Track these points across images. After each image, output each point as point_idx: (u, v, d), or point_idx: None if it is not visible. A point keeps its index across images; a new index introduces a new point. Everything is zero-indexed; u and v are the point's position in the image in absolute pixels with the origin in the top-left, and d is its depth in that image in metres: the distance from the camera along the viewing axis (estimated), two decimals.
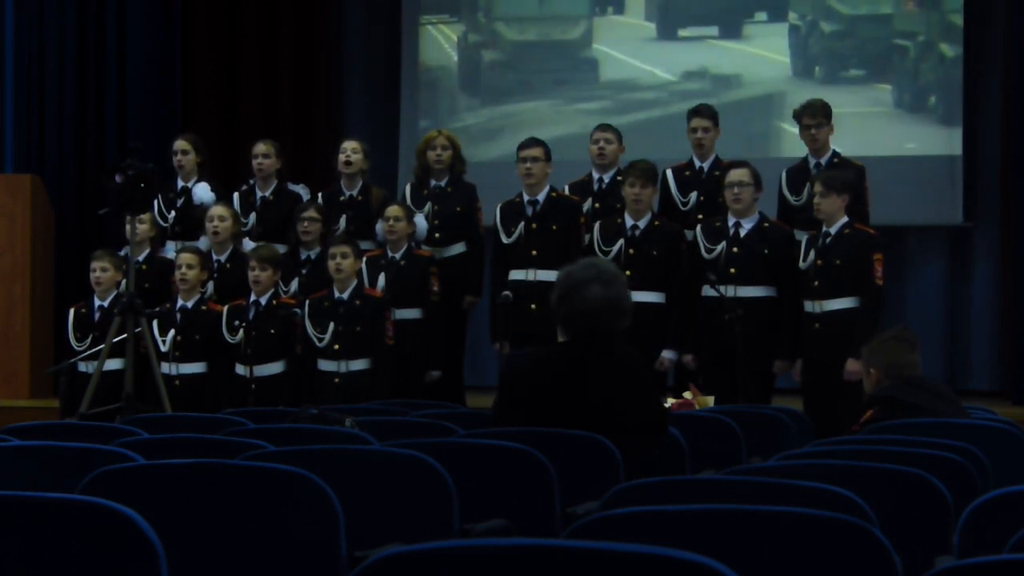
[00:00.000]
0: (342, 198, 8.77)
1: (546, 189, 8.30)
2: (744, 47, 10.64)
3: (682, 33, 10.80)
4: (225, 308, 8.19)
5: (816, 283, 7.64)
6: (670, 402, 6.59)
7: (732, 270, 7.80)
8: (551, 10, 10.97)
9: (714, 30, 10.76)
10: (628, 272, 7.89)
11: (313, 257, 8.48)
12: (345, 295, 7.99)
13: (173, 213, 8.93)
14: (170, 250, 8.82)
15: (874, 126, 10.21)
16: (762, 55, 10.59)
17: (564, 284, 4.53)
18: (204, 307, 8.24)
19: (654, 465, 4.42)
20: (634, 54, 10.80)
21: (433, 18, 11.22)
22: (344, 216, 8.67)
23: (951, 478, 3.60)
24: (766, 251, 7.82)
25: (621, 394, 4.46)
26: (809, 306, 7.67)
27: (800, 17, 10.55)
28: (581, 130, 9.38)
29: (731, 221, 7.90)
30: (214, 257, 8.55)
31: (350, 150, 8.75)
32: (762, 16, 10.66)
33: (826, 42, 10.48)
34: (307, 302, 8.08)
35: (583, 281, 4.48)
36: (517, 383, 4.58)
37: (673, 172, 8.46)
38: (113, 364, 7.85)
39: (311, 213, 8.47)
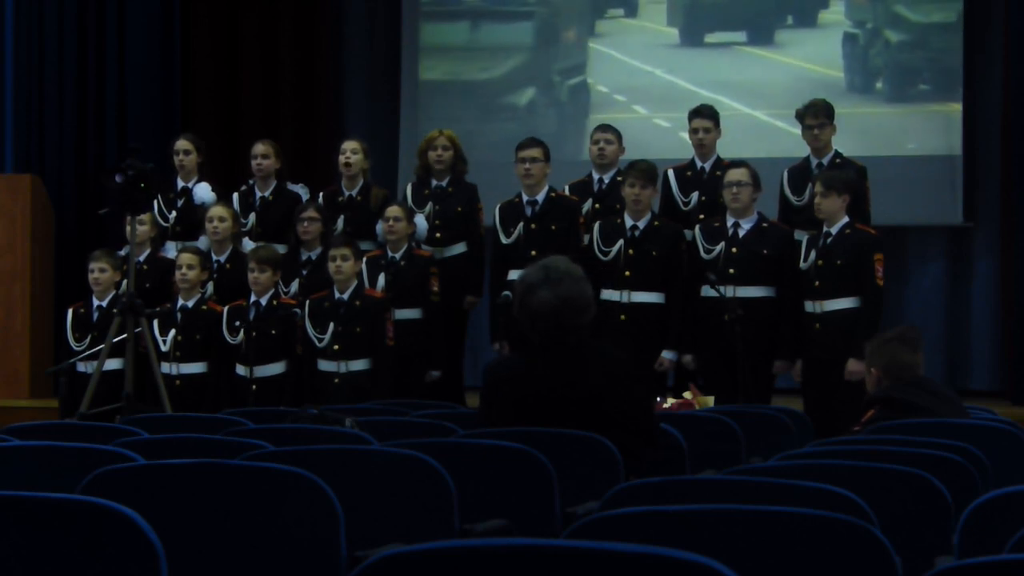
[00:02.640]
0: (341, 198, 8.76)
1: (545, 189, 8.30)
2: (778, 56, 10.37)
3: (709, 39, 10.60)
4: (225, 308, 8.19)
5: (817, 283, 7.64)
6: (670, 402, 6.59)
7: (731, 270, 7.80)
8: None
9: (742, 36, 10.52)
10: (628, 272, 7.92)
11: (313, 258, 8.47)
12: (345, 296, 7.99)
13: (174, 213, 8.92)
14: (170, 250, 8.82)
15: (874, 126, 10.18)
16: (800, 65, 10.31)
17: (519, 289, 4.54)
18: (204, 307, 8.24)
19: (654, 465, 4.42)
20: (656, 61, 10.65)
21: (435, 20, 11.20)
22: (342, 217, 8.67)
23: (951, 478, 3.59)
24: (765, 251, 7.82)
25: (598, 388, 4.44)
26: (810, 306, 7.67)
27: (858, 25, 10.26)
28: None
29: (730, 221, 7.89)
30: (214, 257, 8.54)
31: (350, 151, 8.74)
32: (790, 20, 10.40)
33: (892, 53, 10.16)
34: (307, 303, 8.08)
35: (533, 285, 4.48)
36: (493, 392, 4.59)
37: (674, 172, 8.46)
38: (113, 364, 7.85)
39: (311, 213, 8.46)
